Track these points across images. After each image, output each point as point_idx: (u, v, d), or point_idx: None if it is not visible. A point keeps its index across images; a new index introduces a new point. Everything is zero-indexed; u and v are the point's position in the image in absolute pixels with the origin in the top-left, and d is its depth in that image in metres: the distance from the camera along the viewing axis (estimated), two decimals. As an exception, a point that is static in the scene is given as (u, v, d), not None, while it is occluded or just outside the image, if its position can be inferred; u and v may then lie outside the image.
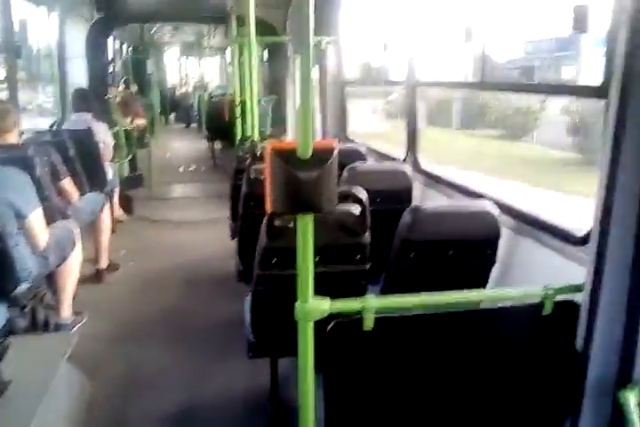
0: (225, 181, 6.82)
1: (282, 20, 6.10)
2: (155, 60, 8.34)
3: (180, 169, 8.62)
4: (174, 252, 4.78)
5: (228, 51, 13.21)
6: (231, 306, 3.44)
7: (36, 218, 2.67)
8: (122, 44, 9.64)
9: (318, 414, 1.41)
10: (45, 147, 3.37)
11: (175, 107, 15.37)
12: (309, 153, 1.22)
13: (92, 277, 4.04)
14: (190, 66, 17.92)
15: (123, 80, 8.23)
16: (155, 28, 8.62)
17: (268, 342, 2.19)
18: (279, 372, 2.41)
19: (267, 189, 1.28)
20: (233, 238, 3.58)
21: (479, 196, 2.74)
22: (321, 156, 1.24)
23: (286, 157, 1.23)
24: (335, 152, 1.26)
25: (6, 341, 2.15)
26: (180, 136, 12.36)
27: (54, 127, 4.21)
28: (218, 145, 9.46)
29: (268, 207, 1.29)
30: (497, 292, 1.74)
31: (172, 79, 17.94)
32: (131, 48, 8.98)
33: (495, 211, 2.05)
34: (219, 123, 8.80)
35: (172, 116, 15.31)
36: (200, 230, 5.41)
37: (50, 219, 2.95)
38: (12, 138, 3.21)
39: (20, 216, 2.58)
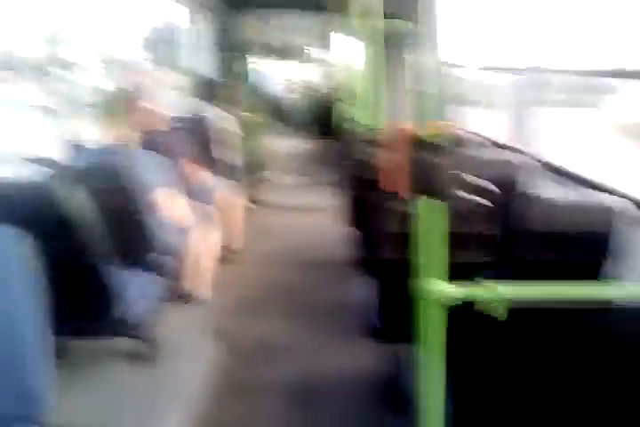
0: (333, 173, 7.05)
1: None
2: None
3: (292, 162, 8.90)
4: (291, 236, 5.03)
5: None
6: (346, 291, 3.57)
7: (173, 196, 2.93)
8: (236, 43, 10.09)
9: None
10: (183, 133, 3.65)
11: (277, 110, 15.79)
12: (438, 140, 1.25)
13: (222, 257, 4.31)
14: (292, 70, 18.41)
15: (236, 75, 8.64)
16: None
17: (393, 327, 2.24)
18: (400, 358, 2.46)
19: (396, 174, 1.32)
20: (350, 226, 3.68)
21: (605, 189, 2.59)
22: (448, 143, 1.26)
23: (417, 144, 1.26)
24: (463, 141, 1.28)
25: (159, 306, 2.40)
26: (284, 136, 12.73)
27: (191, 115, 4.48)
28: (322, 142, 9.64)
29: (397, 191, 1.34)
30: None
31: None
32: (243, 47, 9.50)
33: (619, 205, 1.93)
34: (325, 117, 9.02)
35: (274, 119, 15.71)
36: (316, 217, 5.59)
37: (188, 200, 3.22)
38: (159, 124, 3.50)
39: (158, 194, 2.82)
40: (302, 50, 13.34)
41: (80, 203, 1.96)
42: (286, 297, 3.74)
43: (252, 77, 8.48)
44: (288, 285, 3.95)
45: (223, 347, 2.90)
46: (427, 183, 1.27)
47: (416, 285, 1.43)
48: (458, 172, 1.31)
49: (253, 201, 6.06)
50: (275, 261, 4.41)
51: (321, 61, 15.45)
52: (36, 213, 1.89)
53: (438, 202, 1.31)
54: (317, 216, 5.61)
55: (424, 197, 1.31)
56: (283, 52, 14.95)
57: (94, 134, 2.88)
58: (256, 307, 3.59)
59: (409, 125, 1.34)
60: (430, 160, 1.26)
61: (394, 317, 2.22)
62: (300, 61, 14.91)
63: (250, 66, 8.89)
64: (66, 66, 3.18)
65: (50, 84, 3.11)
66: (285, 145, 11.17)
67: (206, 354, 2.67)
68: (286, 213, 5.88)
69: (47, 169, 2.06)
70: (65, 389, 1.62)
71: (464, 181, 1.37)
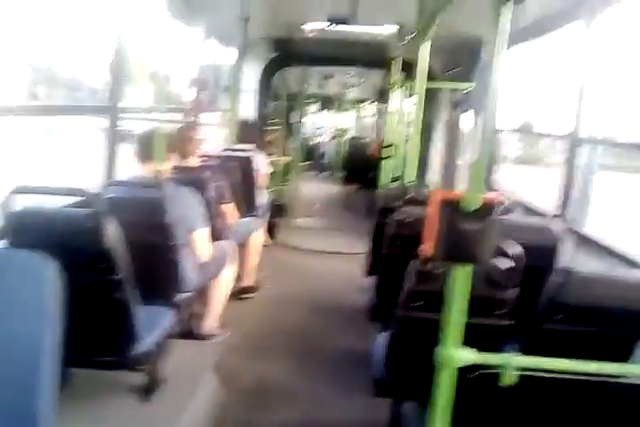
0: (356, 220, 7.15)
1: (440, 64, 6.26)
2: (301, 110, 9.04)
3: (316, 204, 9.02)
4: (310, 279, 5.02)
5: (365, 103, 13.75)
6: (355, 340, 3.56)
7: (202, 234, 2.98)
8: (277, 92, 10.49)
9: None
10: (216, 172, 3.75)
11: (309, 155, 16.22)
12: (477, 205, 1.28)
13: (235, 294, 4.34)
14: (326, 119, 18.95)
15: (275, 120, 8.93)
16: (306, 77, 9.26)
17: (397, 382, 2.23)
18: (403, 413, 2.43)
19: (429, 235, 1.36)
20: (368, 275, 3.69)
21: (636, 264, 2.60)
22: (486, 208, 1.29)
23: (454, 207, 1.29)
24: (500, 207, 1.31)
25: (169, 342, 2.42)
26: (312, 181, 12.97)
27: (225, 153, 4.61)
28: (349, 188, 9.79)
29: (429, 252, 1.37)
30: None
31: (308, 130, 19.09)
32: (284, 94, 9.83)
33: None
34: (355, 165, 9.19)
35: (306, 164, 16.11)
36: (334, 262, 5.62)
37: (211, 238, 3.28)
38: (192, 161, 3.62)
39: (189, 231, 2.89)
40: (350, 102, 13.84)
41: (112, 235, 2.01)
42: (293, 340, 3.72)
43: (299, 124, 8.73)
44: (295, 327, 3.94)
45: (225, 385, 2.89)
46: (458, 250, 1.30)
47: (427, 343, 1.45)
48: (492, 238, 1.33)
49: (273, 240, 6.13)
50: (286, 302, 4.42)
51: (368, 114, 16.00)
52: (66, 242, 1.93)
53: (466, 268, 1.34)
54: (336, 261, 5.64)
55: (453, 263, 1.33)
56: (331, 103, 15.56)
57: (135, 169, 2.97)
58: (261, 347, 3.58)
59: (451, 191, 1.38)
60: (465, 227, 1.28)
61: (399, 372, 2.21)
62: (346, 112, 15.46)
63: (300, 113, 9.19)
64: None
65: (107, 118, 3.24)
66: (318, 189, 11.40)
67: (208, 392, 2.67)
68: (304, 255, 5.91)
69: (81, 199, 2.13)
70: (66, 418, 1.63)
71: (496, 247, 1.40)
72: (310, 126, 19.52)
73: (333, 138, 14.61)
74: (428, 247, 1.38)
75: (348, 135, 13.20)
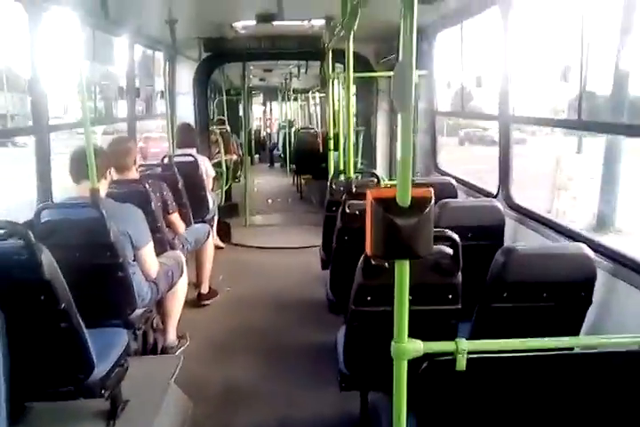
0: (310, 212, 7.15)
1: (373, 53, 6.30)
2: (244, 104, 8.90)
3: (269, 201, 8.98)
4: (267, 278, 5.00)
5: (309, 93, 13.75)
6: (320, 334, 3.58)
7: (149, 249, 2.92)
8: (217, 87, 10.31)
9: None
10: (159, 182, 3.68)
11: (258, 148, 16.16)
12: (408, 202, 1.29)
13: (194, 301, 4.30)
14: (274, 109, 18.89)
15: (218, 119, 8.79)
16: (247, 72, 9.14)
17: (360, 375, 2.26)
18: (368, 404, 2.47)
19: (367, 234, 1.36)
20: (324, 268, 3.71)
21: (573, 235, 2.70)
22: (420, 203, 1.30)
23: (386, 205, 1.30)
24: (432, 201, 1.32)
25: (126, 362, 2.37)
26: (264, 174, 12.92)
27: (164, 160, 4.53)
28: (300, 179, 9.79)
29: (368, 251, 1.38)
30: (592, 339, 1.72)
31: (256, 122, 19.00)
32: (224, 90, 9.67)
33: (591, 253, 2.03)
34: (305, 156, 9.19)
35: (257, 156, 16.07)
36: (290, 257, 5.62)
37: (160, 249, 3.23)
38: (132, 174, 3.54)
39: (135, 248, 2.83)
40: (295, 92, 13.80)
41: (48, 264, 1.94)
42: (256, 340, 3.72)
43: (245, 118, 8.59)
44: (258, 327, 3.94)
45: (191, 396, 2.87)
46: (395, 247, 1.31)
47: (382, 335, 1.46)
48: (428, 232, 1.34)
49: (227, 242, 6.08)
50: (247, 304, 4.40)
51: (310, 104, 15.97)
52: (2, 277, 1.87)
53: (406, 263, 1.35)
54: (293, 256, 5.64)
55: (393, 258, 1.35)
56: (276, 95, 15.41)
57: (68, 190, 2.89)
58: (225, 351, 3.56)
59: (384, 190, 1.38)
60: (400, 224, 1.29)
61: (359, 366, 2.24)
62: (294, 102, 15.41)
63: (245, 107, 9.07)
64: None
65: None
66: (271, 182, 11.33)
67: (173, 406, 2.64)
68: (260, 254, 5.89)
69: (10, 231, 2.04)
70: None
71: (435, 235, 1.41)
72: (258, 119, 19.49)
73: (281, 129, 14.55)
74: (367, 245, 1.39)
75: (296, 126, 13.15)
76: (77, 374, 2.09)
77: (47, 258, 1.94)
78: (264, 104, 19.40)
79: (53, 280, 1.95)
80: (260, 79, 12.07)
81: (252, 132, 15.87)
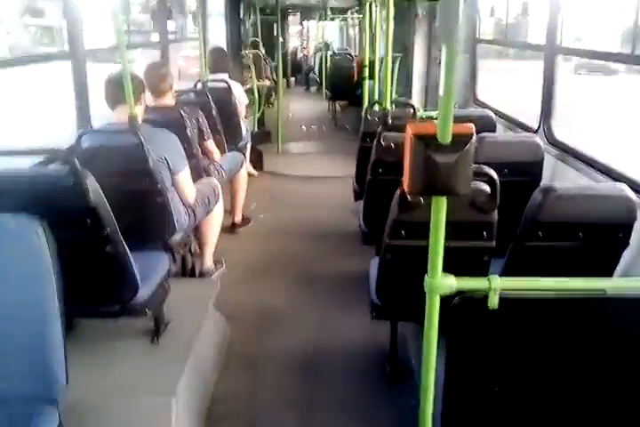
0: (345, 140, 7.06)
1: None
2: (280, 24, 8.46)
3: (303, 128, 8.88)
4: (300, 206, 5.07)
5: (348, 13, 13.12)
6: (352, 263, 3.66)
7: (185, 175, 2.97)
8: (249, 7, 9.87)
9: (438, 381, 1.51)
10: (194, 108, 3.66)
11: (296, 70, 15.73)
12: (449, 138, 1.27)
13: (228, 229, 4.40)
14: (311, 30, 18.09)
15: (251, 42, 8.51)
16: None
17: (391, 306, 2.33)
18: (398, 333, 2.57)
19: (405, 169, 1.36)
20: (356, 200, 3.73)
21: (616, 176, 2.64)
22: (460, 140, 1.28)
23: (426, 142, 1.28)
24: (474, 138, 1.30)
25: (168, 284, 2.49)
26: (300, 98, 12.72)
27: (197, 86, 4.48)
28: (337, 105, 9.59)
29: (405, 187, 1.37)
30: (626, 281, 1.72)
31: (293, 43, 18.30)
32: (259, 11, 9.25)
33: (632, 194, 2.00)
34: (341, 82, 8.94)
35: (293, 79, 15.68)
36: (324, 186, 5.65)
37: (196, 176, 3.28)
38: (168, 99, 3.52)
39: (172, 173, 2.88)
40: (333, 12, 13.23)
41: (93, 190, 1.99)
42: (290, 267, 3.83)
43: (281, 39, 8.25)
44: (292, 254, 4.04)
45: (229, 319, 3.02)
46: (433, 184, 1.30)
47: (415, 268, 1.49)
48: (467, 169, 1.33)
49: (258, 168, 6.11)
50: (280, 231, 4.50)
51: (349, 25, 15.28)
52: (49, 202, 1.91)
53: (443, 199, 1.35)
54: (326, 185, 5.66)
55: (431, 194, 1.35)
56: (313, 14, 14.73)
57: (106, 116, 2.90)
58: (260, 278, 3.69)
59: (425, 125, 1.35)
60: (439, 161, 1.29)
61: (391, 298, 2.31)
62: (331, 22, 14.78)
63: (281, 27, 8.70)
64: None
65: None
66: (306, 107, 11.13)
67: (212, 328, 2.78)
68: (293, 182, 5.92)
69: (54, 157, 2.09)
70: (77, 366, 1.72)
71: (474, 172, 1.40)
72: (296, 40, 18.86)
73: (317, 51, 14.11)
74: (405, 182, 1.39)
75: (333, 49, 12.72)
76: (123, 295, 2.20)
77: (92, 184, 1.99)
78: (301, 24, 18.64)
79: (99, 206, 2.01)
80: None
81: (288, 53, 15.46)
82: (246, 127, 5.23)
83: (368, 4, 4.69)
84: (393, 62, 6.55)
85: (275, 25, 7.76)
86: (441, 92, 1.27)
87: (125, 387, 2.15)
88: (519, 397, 1.55)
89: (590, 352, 1.50)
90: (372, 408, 2.44)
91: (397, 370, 2.59)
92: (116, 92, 2.72)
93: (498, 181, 1.90)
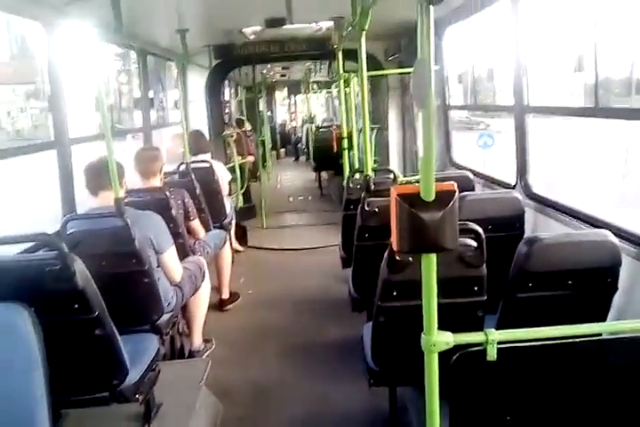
0: (332, 210, 7.15)
1: (382, 50, 6.31)
2: (266, 99, 8.87)
3: (290, 199, 9.01)
4: (287, 279, 5.03)
5: (332, 87, 13.78)
6: (344, 332, 3.60)
7: (171, 254, 2.96)
8: (237, 86, 10.33)
9: None
10: (180, 189, 3.72)
11: (285, 142, 16.27)
12: (432, 196, 1.30)
13: (216, 306, 4.34)
14: (298, 103, 18.86)
15: (236, 120, 8.81)
16: (265, 70, 9.16)
17: (389, 370, 2.27)
18: (397, 399, 2.48)
19: (392, 230, 1.38)
20: (344, 267, 3.72)
21: (596, 222, 2.69)
22: (443, 197, 1.31)
23: (411, 201, 1.31)
24: (457, 194, 1.33)
25: (158, 367, 2.41)
26: (289, 168, 13.07)
27: (181, 168, 4.57)
28: (324, 175, 9.82)
29: (394, 246, 1.39)
30: (620, 324, 1.72)
31: (281, 116, 19.02)
32: (244, 89, 9.70)
33: (614, 238, 2.03)
34: (325, 153, 9.22)
35: (283, 150, 16.17)
36: (311, 258, 5.64)
37: (182, 255, 3.27)
38: (156, 181, 3.59)
39: (158, 253, 2.87)
40: (318, 86, 13.83)
41: (81, 273, 1.98)
42: (281, 341, 3.75)
43: (268, 113, 8.54)
44: (282, 328, 3.96)
45: (221, 398, 2.90)
46: (421, 242, 1.32)
47: (410, 329, 1.47)
48: (453, 225, 1.35)
49: (243, 244, 6.11)
50: (269, 305, 4.43)
51: (334, 97, 15.93)
52: (36, 288, 1.90)
53: (432, 256, 1.36)
54: (313, 256, 5.66)
55: (419, 252, 1.36)
56: (299, 89, 15.34)
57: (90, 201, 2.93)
58: (251, 353, 3.60)
59: (408, 186, 1.39)
60: (425, 218, 1.31)
61: (387, 362, 2.25)
62: (318, 94, 15.36)
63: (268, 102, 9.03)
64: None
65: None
66: (294, 177, 11.36)
67: (205, 408, 2.67)
68: (280, 255, 5.91)
69: (41, 243, 2.08)
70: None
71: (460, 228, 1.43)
72: (283, 113, 19.53)
73: (305, 123, 14.58)
74: (393, 241, 1.40)
75: (318, 121, 13.16)
76: (112, 380, 2.12)
77: (80, 267, 1.97)
78: (289, 98, 19.37)
79: (87, 289, 1.98)
80: (281, 75, 12.12)
81: (277, 126, 15.98)
82: (230, 204, 5.29)
83: (343, 79, 4.91)
84: (370, 133, 6.80)
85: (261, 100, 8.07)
86: (421, 153, 1.32)
87: None
88: None
89: (592, 395, 1.48)
90: None
91: None
92: (98, 178, 2.77)
93: (483, 235, 1.92)
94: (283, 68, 10.05)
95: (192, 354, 3.44)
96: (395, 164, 6.48)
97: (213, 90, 6.74)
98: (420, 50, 1.25)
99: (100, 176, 2.73)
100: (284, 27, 4.81)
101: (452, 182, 1.34)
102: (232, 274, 4.60)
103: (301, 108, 18.21)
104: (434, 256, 1.37)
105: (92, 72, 2.76)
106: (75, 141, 3.29)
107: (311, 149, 10.86)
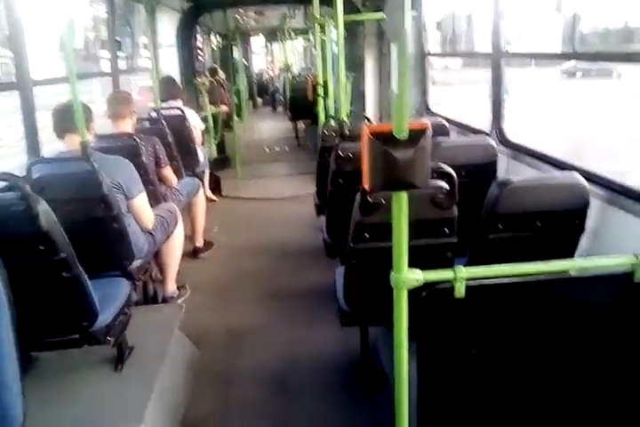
0: (308, 160, 7.09)
1: None
2: (241, 47, 8.56)
3: (267, 149, 8.91)
4: (262, 228, 5.03)
5: (309, 34, 13.41)
6: (318, 277, 3.64)
7: (142, 200, 2.91)
8: (210, 32, 9.96)
9: (412, 382, 1.49)
10: (150, 136, 3.63)
11: (262, 91, 15.91)
12: (405, 134, 1.28)
13: (190, 253, 4.33)
14: (275, 51, 18.32)
15: (208, 68, 8.54)
16: (239, 15, 8.80)
17: (360, 311, 2.31)
18: (369, 340, 2.54)
19: (363, 168, 1.36)
20: (319, 215, 3.72)
21: (566, 166, 2.71)
22: (416, 135, 1.29)
23: (383, 138, 1.29)
24: (429, 132, 1.31)
25: (129, 311, 2.41)
26: (266, 119, 12.81)
27: (151, 114, 4.45)
28: (301, 125, 9.68)
29: (366, 186, 1.37)
30: (587, 261, 1.75)
31: (258, 65, 18.49)
32: (218, 36, 9.35)
33: (583, 181, 2.05)
34: (301, 103, 9.05)
35: (260, 100, 15.83)
36: (286, 207, 5.64)
37: (154, 202, 3.22)
38: (127, 126, 3.49)
39: (128, 198, 2.82)
40: (295, 33, 13.43)
41: (45, 215, 1.93)
42: (256, 286, 3.79)
43: (244, 62, 8.24)
44: (257, 274, 3.99)
45: (196, 342, 2.94)
46: (393, 179, 1.30)
47: (381, 270, 1.48)
48: (425, 163, 1.34)
49: (217, 194, 6.07)
50: (243, 253, 4.45)
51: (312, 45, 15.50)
52: (2, 229, 1.87)
53: (403, 194, 1.35)
54: (288, 205, 5.64)
55: (391, 190, 1.35)
56: (273, 36, 14.89)
57: (57, 145, 2.84)
58: (226, 298, 3.63)
59: (382, 125, 1.36)
60: (397, 156, 1.29)
61: (358, 302, 2.29)
62: (295, 42, 14.92)
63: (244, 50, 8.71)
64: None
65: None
66: (271, 127, 11.20)
67: (179, 352, 2.71)
68: (254, 205, 5.89)
69: (6, 184, 2.02)
70: (38, 402, 1.63)
71: (432, 170, 1.41)
72: (260, 63, 19.02)
73: (282, 72, 14.27)
74: (364, 180, 1.39)
75: (295, 70, 12.86)
76: (82, 322, 2.12)
77: (44, 209, 1.93)
78: (266, 46, 18.82)
79: (51, 230, 1.94)
80: (256, 21, 11.71)
81: (254, 76, 15.56)
82: (203, 153, 5.20)
83: (319, 26, 4.76)
84: (346, 81, 6.67)
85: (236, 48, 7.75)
86: (394, 87, 1.28)
87: (91, 419, 2.06)
88: (495, 390, 1.54)
89: (558, 332, 1.51)
90: (348, 418, 2.40)
91: (371, 376, 2.57)
92: (64, 121, 2.69)
93: (455, 178, 1.92)
94: (256, 14, 9.68)
95: (166, 300, 3.44)
96: (371, 112, 6.40)
97: (185, 35, 6.49)
98: None
99: (66, 119, 2.64)
100: None
101: (426, 120, 1.32)
102: (206, 224, 4.57)
103: (279, 57, 17.77)
104: (405, 195, 1.36)
105: (56, 11, 2.61)
106: (38, 83, 3.15)
107: (287, 98, 10.66)
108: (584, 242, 2.16)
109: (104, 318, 2.17)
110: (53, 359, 2.41)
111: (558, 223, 2.07)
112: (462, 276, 1.40)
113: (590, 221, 2.12)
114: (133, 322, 2.45)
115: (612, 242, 2.29)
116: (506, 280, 1.45)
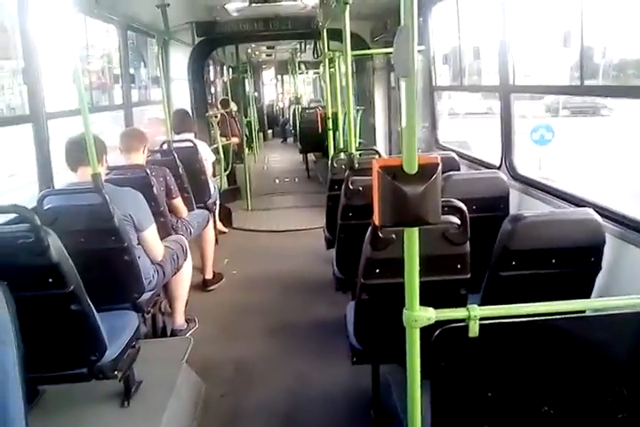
0: (318, 192, 7.11)
1: (368, 31, 6.23)
2: (252, 79, 8.71)
3: (277, 181, 8.95)
4: (272, 260, 5.00)
5: (320, 67, 13.64)
6: (328, 312, 3.60)
7: (152, 232, 2.92)
8: (222, 65, 10.17)
9: (425, 421, 1.45)
10: (161, 167, 3.66)
11: (273, 123, 16.14)
12: (415, 168, 1.27)
13: (200, 285, 4.31)
14: (285, 83, 18.64)
15: (220, 101, 8.67)
16: (250, 49, 9.00)
17: (372, 348, 2.27)
18: (380, 378, 2.48)
19: (374, 203, 1.35)
20: (328, 248, 3.70)
21: (580, 202, 2.69)
22: (426, 170, 1.28)
23: (393, 173, 1.28)
24: (439, 167, 1.30)
25: (138, 344, 2.38)
26: (276, 150, 12.97)
27: (164, 146, 4.50)
28: (311, 157, 9.76)
29: (376, 221, 1.36)
30: (603, 301, 1.72)
31: (269, 96, 18.80)
32: (230, 69, 9.55)
33: (598, 217, 2.02)
34: (311, 135, 9.15)
35: (270, 132, 16.04)
36: (295, 239, 5.62)
37: (164, 234, 3.22)
38: (139, 158, 3.53)
39: (138, 230, 2.83)
40: (305, 66, 13.70)
41: (55, 247, 1.93)
42: (265, 320, 3.74)
43: (254, 94, 8.36)
44: (266, 307, 3.95)
45: (203, 377, 2.89)
46: (404, 215, 1.29)
47: (392, 307, 1.46)
48: (436, 198, 1.33)
49: (227, 225, 6.07)
50: (253, 286, 4.41)
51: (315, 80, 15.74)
52: (9, 261, 1.86)
53: (414, 231, 1.34)
54: (298, 238, 5.63)
55: (402, 226, 1.33)
56: (285, 69, 15.21)
57: (69, 177, 2.87)
58: (234, 332, 3.59)
59: (391, 159, 1.35)
60: (408, 191, 1.28)
61: (370, 339, 2.25)
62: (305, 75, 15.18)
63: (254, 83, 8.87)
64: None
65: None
66: (281, 159, 11.29)
67: (186, 386, 2.66)
68: (264, 237, 5.88)
69: (18, 216, 2.03)
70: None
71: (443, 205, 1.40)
72: (270, 94, 19.33)
73: (292, 104, 14.43)
74: (375, 215, 1.38)
75: (305, 102, 13.03)
76: (90, 356, 2.09)
77: (54, 241, 1.93)
78: (276, 78, 19.12)
79: (61, 263, 1.94)
80: (267, 55, 11.95)
81: (264, 107, 15.79)
82: (214, 185, 5.23)
83: (328, 60, 4.84)
84: (356, 114, 6.75)
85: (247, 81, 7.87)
86: (404, 124, 1.28)
87: None
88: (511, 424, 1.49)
89: (573, 372, 1.48)
90: None
91: (383, 415, 2.50)
92: (76, 154, 2.72)
93: (467, 213, 1.91)
94: (268, 48, 9.91)
95: (174, 333, 3.41)
96: (380, 145, 6.45)
97: (196, 68, 6.62)
98: (404, 15, 1.21)
99: (79, 151, 2.67)
100: (269, 4, 4.72)
101: (436, 156, 1.31)
102: (216, 255, 4.56)
103: (289, 89, 18.03)
104: (416, 231, 1.35)
105: (69, 45, 2.67)
106: (51, 116, 3.21)
107: (297, 130, 10.78)
108: (600, 280, 2.12)
109: (112, 352, 2.15)
110: (60, 393, 2.38)
111: (573, 260, 2.03)
112: (476, 314, 1.37)
113: (606, 259, 2.08)
114: (142, 355, 2.42)
115: (629, 279, 2.24)
116: (521, 319, 1.42)
